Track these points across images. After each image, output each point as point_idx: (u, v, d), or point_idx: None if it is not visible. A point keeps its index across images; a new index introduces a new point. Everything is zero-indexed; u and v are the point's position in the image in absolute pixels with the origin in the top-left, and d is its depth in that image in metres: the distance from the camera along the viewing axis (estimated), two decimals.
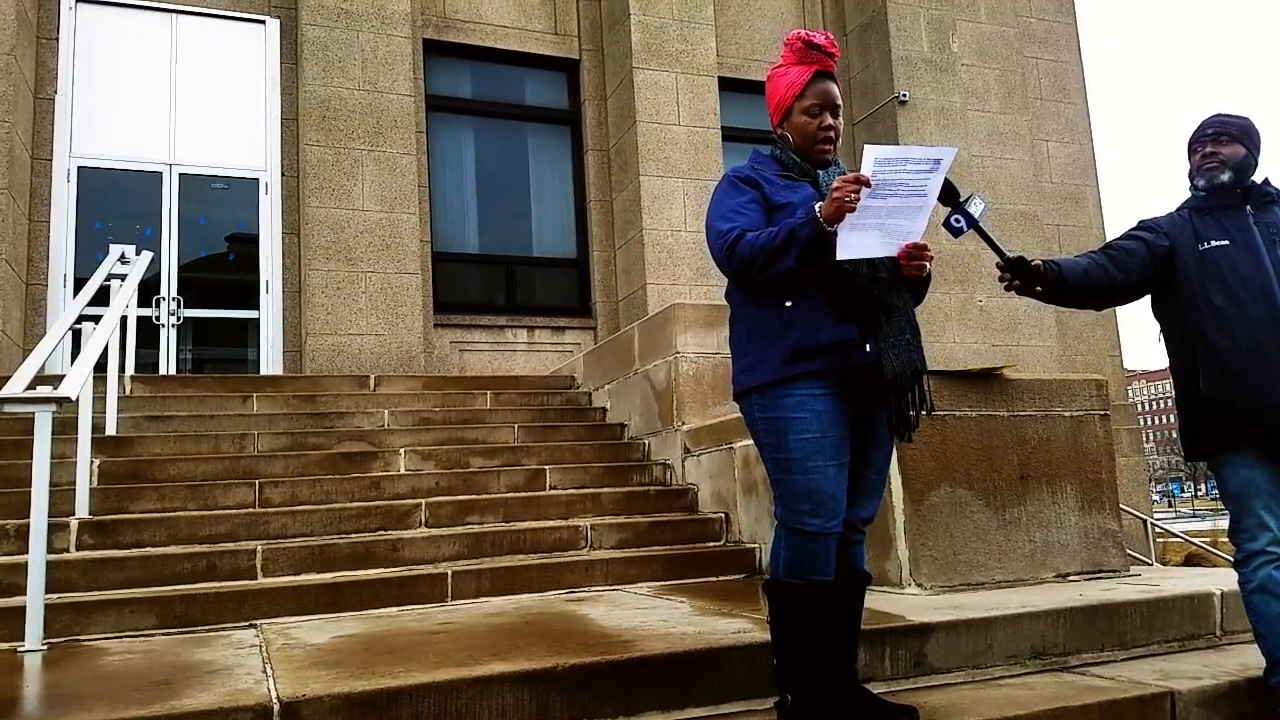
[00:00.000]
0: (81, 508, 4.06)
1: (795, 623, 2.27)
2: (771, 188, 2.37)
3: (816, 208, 2.19)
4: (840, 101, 2.42)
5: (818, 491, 2.23)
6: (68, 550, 3.89)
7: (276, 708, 2.19)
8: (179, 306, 7.70)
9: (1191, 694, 2.70)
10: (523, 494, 4.91)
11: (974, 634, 2.95)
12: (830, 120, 2.39)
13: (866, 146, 2.15)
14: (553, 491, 5.00)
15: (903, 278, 2.32)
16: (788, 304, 2.27)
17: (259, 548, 3.91)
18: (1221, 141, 2.78)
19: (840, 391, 2.28)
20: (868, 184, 2.13)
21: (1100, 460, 4.05)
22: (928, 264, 2.28)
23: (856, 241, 2.19)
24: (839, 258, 2.19)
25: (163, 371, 7.42)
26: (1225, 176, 2.76)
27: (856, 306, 2.27)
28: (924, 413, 2.33)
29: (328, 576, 3.87)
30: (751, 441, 4.70)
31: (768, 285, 2.29)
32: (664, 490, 5.15)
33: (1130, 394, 14.02)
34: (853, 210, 2.14)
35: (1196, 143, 2.84)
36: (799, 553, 2.25)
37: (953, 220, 2.39)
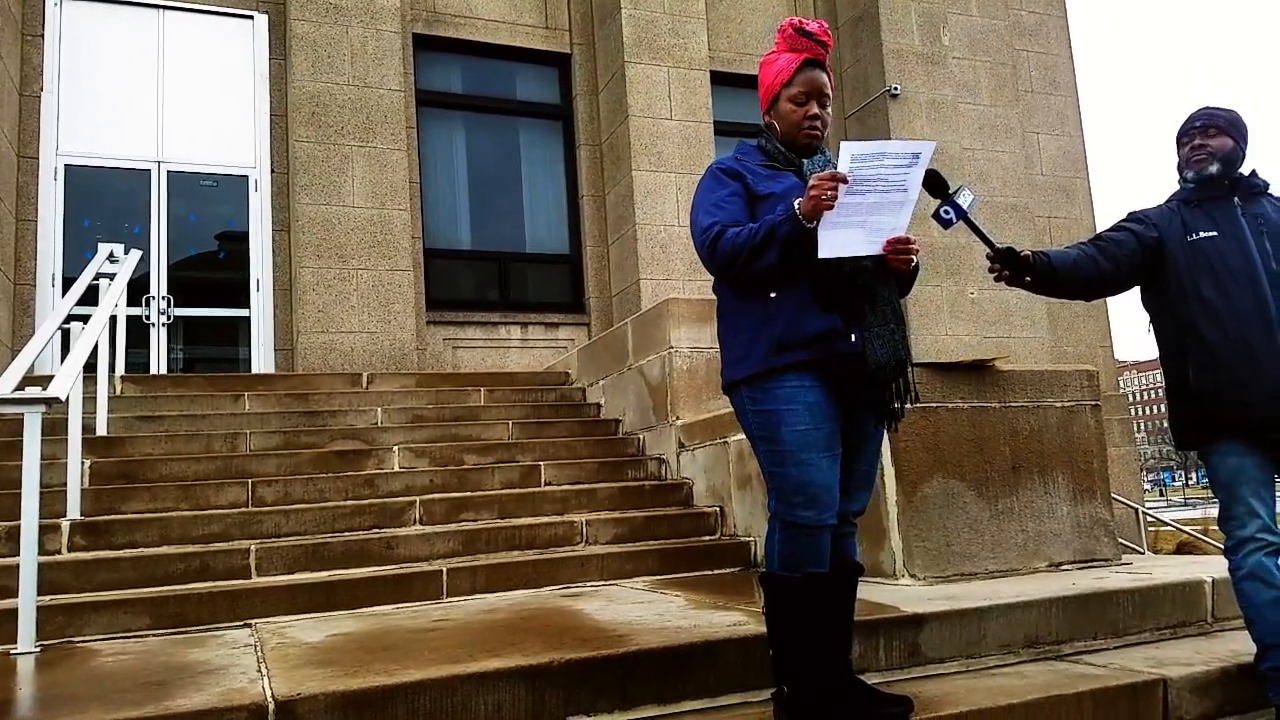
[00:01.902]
0: (73, 509, 4.05)
1: (791, 615, 2.27)
2: (754, 178, 2.36)
3: (795, 205, 2.18)
4: (829, 90, 2.39)
5: (811, 484, 2.23)
6: (60, 551, 3.88)
7: (271, 707, 2.19)
8: (169, 305, 7.66)
9: (1183, 681, 2.72)
10: (517, 490, 4.91)
11: (968, 624, 2.96)
12: (816, 110, 2.36)
13: (843, 144, 2.13)
14: (547, 487, 5.00)
15: (889, 269, 2.31)
16: (773, 295, 2.28)
17: (252, 547, 3.90)
18: (1209, 134, 2.79)
19: (828, 383, 2.28)
20: (844, 180, 2.13)
21: (1092, 450, 4.07)
22: (914, 257, 2.28)
23: (838, 239, 2.18)
24: (820, 255, 2.19)
25: (153, 371, 7.39)
26: (1213, 168, 2.77)
27: (841, 296, 2.27)
28: (908, 404, 2.33)
29: (322, 575, 3.87)
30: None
31: (751, 280, 2.29)
32: (659, 485, 5.16)
33: (1121, 384, 14.07)
34: (830, 208, 2.14)
35: (1184, 135, 2.85)
36: (793, 545, 2.26)
37: (942, 212, 2.39)
